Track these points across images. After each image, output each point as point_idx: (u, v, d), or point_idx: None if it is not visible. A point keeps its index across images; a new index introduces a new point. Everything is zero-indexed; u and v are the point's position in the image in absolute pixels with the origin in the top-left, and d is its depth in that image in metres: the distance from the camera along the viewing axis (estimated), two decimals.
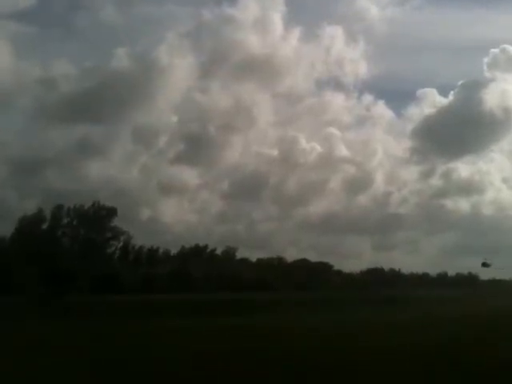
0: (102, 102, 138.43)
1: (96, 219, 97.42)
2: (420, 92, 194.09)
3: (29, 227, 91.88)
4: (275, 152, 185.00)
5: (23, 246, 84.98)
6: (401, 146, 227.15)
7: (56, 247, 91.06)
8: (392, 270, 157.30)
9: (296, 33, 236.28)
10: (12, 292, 68.00)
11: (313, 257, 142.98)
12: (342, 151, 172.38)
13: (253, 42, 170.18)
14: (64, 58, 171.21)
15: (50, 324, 28.60)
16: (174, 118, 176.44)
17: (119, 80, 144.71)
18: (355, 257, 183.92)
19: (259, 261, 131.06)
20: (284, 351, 16.49)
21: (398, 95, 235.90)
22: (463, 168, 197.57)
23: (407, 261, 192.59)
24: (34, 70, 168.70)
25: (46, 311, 43.68)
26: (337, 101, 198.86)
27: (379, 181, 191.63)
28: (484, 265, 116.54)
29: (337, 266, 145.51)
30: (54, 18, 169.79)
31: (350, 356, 15.72)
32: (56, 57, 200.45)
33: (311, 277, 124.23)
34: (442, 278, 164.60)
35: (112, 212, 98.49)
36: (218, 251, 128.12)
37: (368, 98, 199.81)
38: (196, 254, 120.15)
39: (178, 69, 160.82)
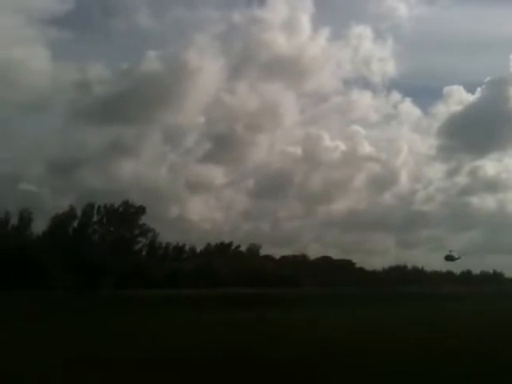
0: (134, 103, 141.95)
1: (125, 217, 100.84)
2: (447, 89, 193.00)
3: (61, 224, 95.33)
4: (300, 150, 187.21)
5: (55, 242, 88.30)
6: (427, 144, 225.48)
7: (86, 244, 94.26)
8: (415, 268, 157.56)
9: (324, 33, 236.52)
10: (44, 287, 70.88)
11: (336, 254, 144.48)
12: (367, 149, 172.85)
13: (281, 43, 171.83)
14: (99, 61, 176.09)
15: (91, 316, 30.32)
16: (203, 119, 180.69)
17: (150, 82, 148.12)
18: (379, 254, 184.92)
19: (283, 258, 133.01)
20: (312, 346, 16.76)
21: (425, 93, 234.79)
22: (489, 165, 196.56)
23: (431, 259, 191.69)
24: (71, 73, 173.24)
25: (81, 305, 45.77)
26: (364, 99, 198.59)
27: (404, 179, 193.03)
28: (448, 258, 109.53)
29: (360, 264, 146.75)
30: (90, 23, 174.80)
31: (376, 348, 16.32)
32: (91, 60, 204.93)
33: (334, 274, 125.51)
34: (466, 277, 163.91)
35: (140, 210, 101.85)
36: (243, 248, 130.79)
37: (395, 96, 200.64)
38: (221, 251, 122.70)
39: (207, 70, 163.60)
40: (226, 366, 12.28)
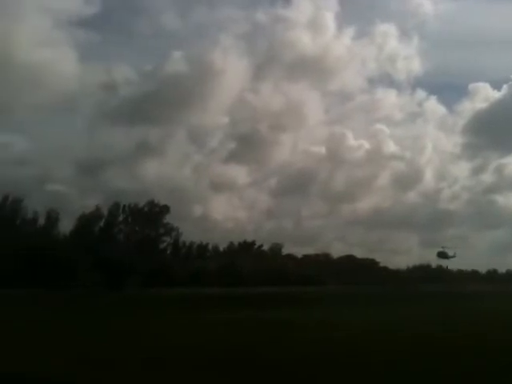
0: (159, 104, 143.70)
1: (150, 216, 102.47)
2: (472, 86, 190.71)
3: (87, 224, 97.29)
4: (324, 149, 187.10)
5: (82, 241, 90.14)
6: (452, 142, 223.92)
7: (112, 243, 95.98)
8: (439, 267, 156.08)
9: (348, 31, 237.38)
10: (71, 286, 72.54)
11: (359, 253, 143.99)
12: (391, 148, 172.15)
13: (305, 42, 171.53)
14: (125, 62, 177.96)
15: (121, 314, 31.09)
16: (227, 119, 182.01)
17: (175, 83, 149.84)
18: (402, 253, 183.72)
19: (305, 257, 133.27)
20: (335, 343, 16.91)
21: (450, 90, 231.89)
22: None
23: (456, 257, 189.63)
24: (97, 75, 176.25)
25: (111, 304, 46.65)
26: (388, 98, 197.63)
27: (429, 177, 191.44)
28: (441, 255, 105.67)
29: (384, 263, 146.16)
30: (116, 25, 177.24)
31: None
32: (117, 61, 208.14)
33: (357, 273, 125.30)
34: (492, 275, 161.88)
35: (165, 209, 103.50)
36: (265, 247, 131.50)
37: (420, 93, 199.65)
38: (244, 250, 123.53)
39: (232, 70, 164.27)
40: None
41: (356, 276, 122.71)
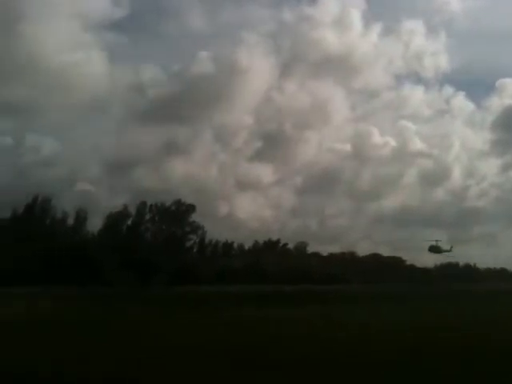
0: (186, 104, 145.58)
1: (176, 215, 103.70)
2: (500, 82, 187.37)
3: (115, 223, 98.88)
4: (349, 147, 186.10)
5: (110, 240, 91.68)
6: (480, 138, 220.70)
7: (139, 241, 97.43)
8: (467, 265, 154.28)
9: (375, 29, 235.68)
10: (98, 283, 73.65)
11: (386, 251, 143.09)
12: (418, 145, 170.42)
13: (331, 40, 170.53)
14: (153, 63, 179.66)
15: (158, 312, 31.78)
16: (253, 117, 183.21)
17: (202, 82, 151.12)
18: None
19: (331, 255, 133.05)
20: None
21: (478, 86, 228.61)
22: None
23: (485, 255, 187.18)
24: (126, 76, 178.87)
25: (138, 301, 47.33)
26: (415, 95, 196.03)
27: (457, 174, 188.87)
28: (433, 249, 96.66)
29: (410, 261, 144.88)
30: (144, 26, 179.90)
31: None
32: (146, 62, 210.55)
33: (382, 271, 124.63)
34: None
35: (191, 208, 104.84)
36: (290, 245, 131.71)
37: (448, 90, 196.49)
38: (269, 249, 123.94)
39: (258, 69, 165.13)
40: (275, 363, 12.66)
41: (382, 274, 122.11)
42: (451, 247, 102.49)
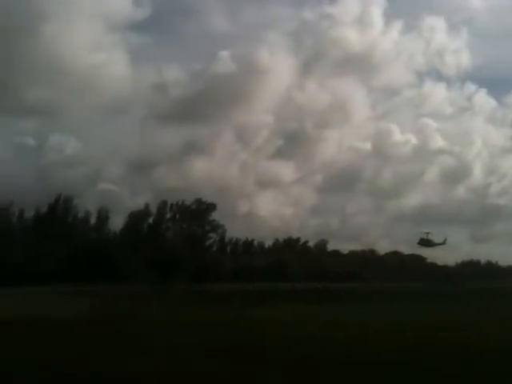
0: (208, 103, 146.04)
1: (197, 214, 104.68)
2: None
3: (136, 222, 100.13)
4: (370, 145, 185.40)
5: (131, 238, 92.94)
6: (502, 135, 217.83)
7: (160, 240, 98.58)
8: (489, 263, 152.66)
9: (396, 26, 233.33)
10: (120, 280, 74.43)
11: (406, 249, 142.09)
12: (439, 142, 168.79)
13: (352, 38, 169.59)
14: (175, 63, 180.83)
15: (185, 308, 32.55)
16: (274, 116, 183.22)
17: (223, 82, 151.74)
18: (451, 249, 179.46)
19: (351, 253, 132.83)
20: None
21: (500, 84, 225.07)
22: None
23: (507, 253, 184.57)
24: (148, 76, 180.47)
25: (162, 298, 47.98)
26: (436, 92, 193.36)
27: (478, 171, 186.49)
28: (423, 243, 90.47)
29: (431, 259, 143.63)
30: (166, 27, 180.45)
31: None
32: (167, 62, 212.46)
33: (403, 269, 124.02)
34: None
35: (211, 207, 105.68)
36: (311, 243, 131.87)
37: (470, 87, 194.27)
38: (289, 246, 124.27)
39: (279, 68, 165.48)
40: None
41: (402, 273, 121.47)
42: (445, 240, 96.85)
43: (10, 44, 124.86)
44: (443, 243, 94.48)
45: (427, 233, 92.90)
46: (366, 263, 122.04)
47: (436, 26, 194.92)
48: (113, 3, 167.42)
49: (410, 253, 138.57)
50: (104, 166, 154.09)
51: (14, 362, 11.74)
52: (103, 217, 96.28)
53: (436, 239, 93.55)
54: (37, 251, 77.83)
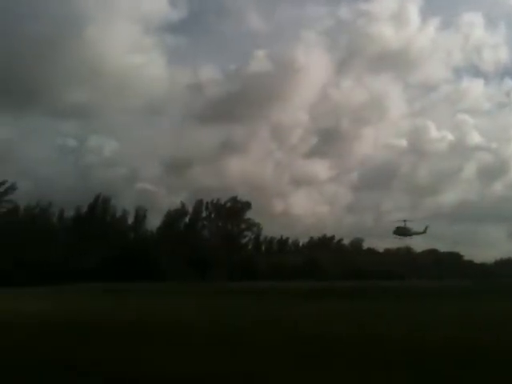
0: (243, 102, 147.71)
1: (232, 212, 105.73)
2: None
3: (173, 220, 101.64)
4: (405, 142, 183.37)
5: (168, 237, 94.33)
6: None
7: (197, 238, 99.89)
8: None
9: (433, 22, 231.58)
10: (157, 279, 75.49)
11: (443, 247, 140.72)
12: (476, 138, 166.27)
13: (389, 35, 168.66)
14: (210, 63, 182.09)
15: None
16: (309, 114, 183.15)
17: (259, 81, 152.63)
18: (489, 247, 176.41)
19: (387, 251, 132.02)
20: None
21: None
22: None
23: None
24: (184, 77, 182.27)
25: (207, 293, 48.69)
26: (474, 88, 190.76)
27: None
28: (400, 232, 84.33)
29: (469, 257, 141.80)
30: (202, 27, 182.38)
31: None
32: (203, 63, 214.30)
33: (439, 267, 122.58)
34: None
35: (246, 206, 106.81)
36: (346, 241, 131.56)
37: (508, 83, 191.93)
38: (323, 244, 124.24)
39: (314, 66, 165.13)
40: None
41: (439, 270, 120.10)
42: (426, 228, 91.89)
43: (52, 47, 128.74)
44: (423, 232, 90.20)
45: (405, 221, 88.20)
46: (401, 261, 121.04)
47: (474, 21, 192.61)
48: (150, 5, 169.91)
49: (447, 250, 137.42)
50: (141, 166, 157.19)
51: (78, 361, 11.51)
52: (141, 216, 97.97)
53: (416, 228, 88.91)
54: (76, 251, 79.67)
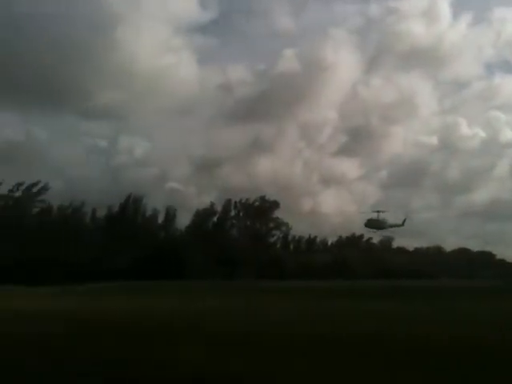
0: (272, 102, 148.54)
1: (260, 212, 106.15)
2: None
3: (202, 219, 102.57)
4: (436, 140, 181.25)
5: (197, 236, 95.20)
6: None
7: (225, 237, 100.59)
8: None
9: (464, 18, 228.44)
10: (187, 277, 76.14)
11: (475, 246, 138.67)
12: (509, 135, 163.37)
13: (419, 32, 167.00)
14: (240, 63, 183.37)
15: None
16: (338, 113, 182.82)
17: (288, 80, 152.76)
18: None
19: (416, 250, 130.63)
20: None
21: None
22: None
23: None
24: (214, 77, 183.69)
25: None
26: (507, 84, 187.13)
27: None
28: (371, 225, 77.68)
29: (501, 256, 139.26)
30: (232, 27, 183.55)
31: None
32: (233, 63, 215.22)
33: (471, 266, 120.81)
34: None
35: (274, 205, 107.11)
36: (375, 240, 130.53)
37: None
38: (352, 243, 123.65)
39: (343, 65, 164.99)
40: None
41: (470, 269, 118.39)
42: (404, 220, 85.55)
43: (83, 48, 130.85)
44: (401, 225, 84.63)
45: (378, 211, 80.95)
46: (432, 260, 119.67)
47: (506, 16, 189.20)
48: (180, 6, 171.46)
49: (479, 249, 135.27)
50: (171, 165, 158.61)
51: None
52: (171, 216, 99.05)
53: (393, 220, 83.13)
54: (108, 250, 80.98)
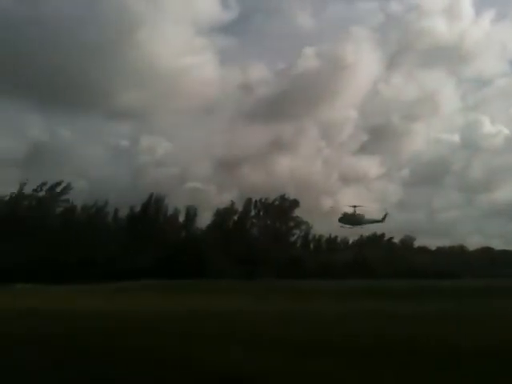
0: (292, 101, 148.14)
1: (281, 211, 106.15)
2: None
3: (222, 219, 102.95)
4: (458, 137, 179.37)
5: (217, 235, 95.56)
6: None
7: (245, 236, 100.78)
8: None
9: (487, 15, 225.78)
10: (208, 276, 75.85)
11: (498, 245, 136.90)
12: None
13: (441, 29, 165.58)
14: (260, 62, 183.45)
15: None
16: (359, 111, 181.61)
17: (308, 79, 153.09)
18: None
19: (439, 249, 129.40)
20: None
21: None
22: None
23: None
24: (234, 77, 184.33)
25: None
26: None
27: None
28: (345, 220, 74.23)
29: None
30: (252, 27, 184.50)
31: None
32: (254, 62, 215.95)
33: (494, 265, 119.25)
34: None
35: (294, 204, 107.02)
36: (396, 239, 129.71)
37: None
38: (373, 242, 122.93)
39: (364, 62, 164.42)
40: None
41: (493, 269, 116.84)
42: (385, 215, 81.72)
43: (106, 49, 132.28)
44: (381, 220, 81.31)
45: (355, 206, 76.98)
46: (454, 260, 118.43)
47: None
48: (201, 7, 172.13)
49: (502, 248, 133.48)
50: (193, 165, 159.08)
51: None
52: (191, 215, 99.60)
53: (374, 215, 79.00)
54: (131, 249, 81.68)
